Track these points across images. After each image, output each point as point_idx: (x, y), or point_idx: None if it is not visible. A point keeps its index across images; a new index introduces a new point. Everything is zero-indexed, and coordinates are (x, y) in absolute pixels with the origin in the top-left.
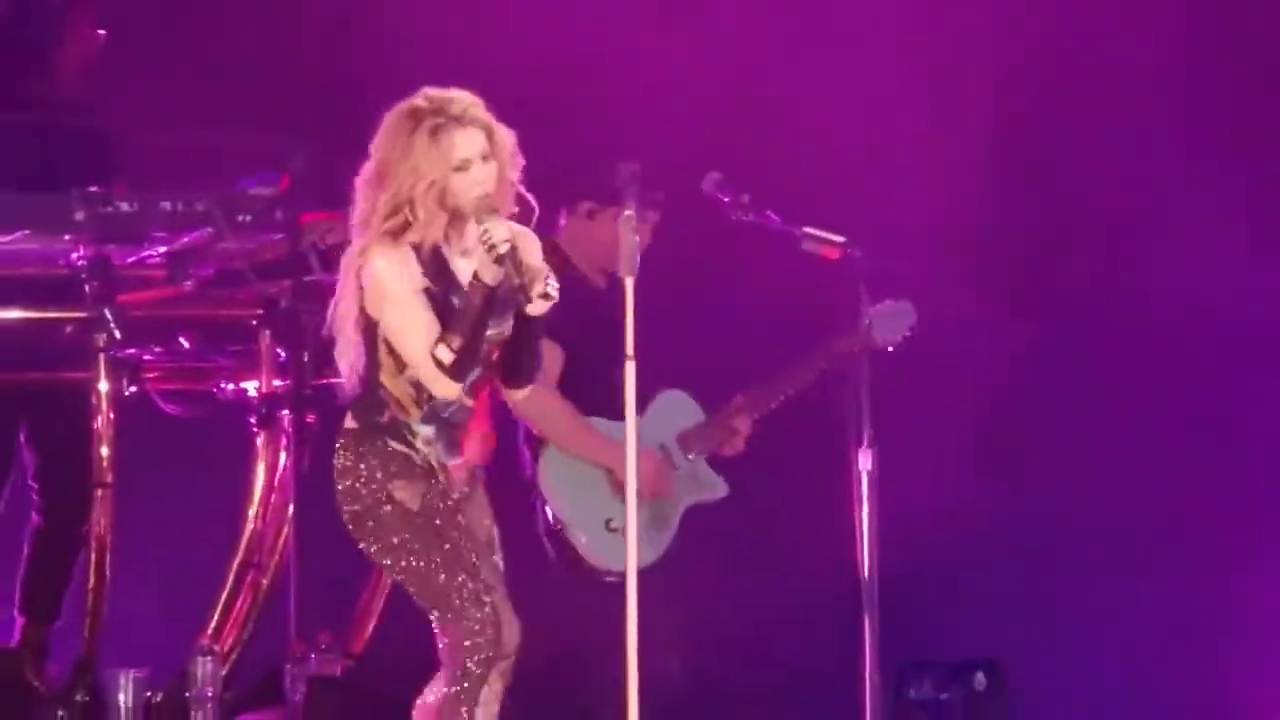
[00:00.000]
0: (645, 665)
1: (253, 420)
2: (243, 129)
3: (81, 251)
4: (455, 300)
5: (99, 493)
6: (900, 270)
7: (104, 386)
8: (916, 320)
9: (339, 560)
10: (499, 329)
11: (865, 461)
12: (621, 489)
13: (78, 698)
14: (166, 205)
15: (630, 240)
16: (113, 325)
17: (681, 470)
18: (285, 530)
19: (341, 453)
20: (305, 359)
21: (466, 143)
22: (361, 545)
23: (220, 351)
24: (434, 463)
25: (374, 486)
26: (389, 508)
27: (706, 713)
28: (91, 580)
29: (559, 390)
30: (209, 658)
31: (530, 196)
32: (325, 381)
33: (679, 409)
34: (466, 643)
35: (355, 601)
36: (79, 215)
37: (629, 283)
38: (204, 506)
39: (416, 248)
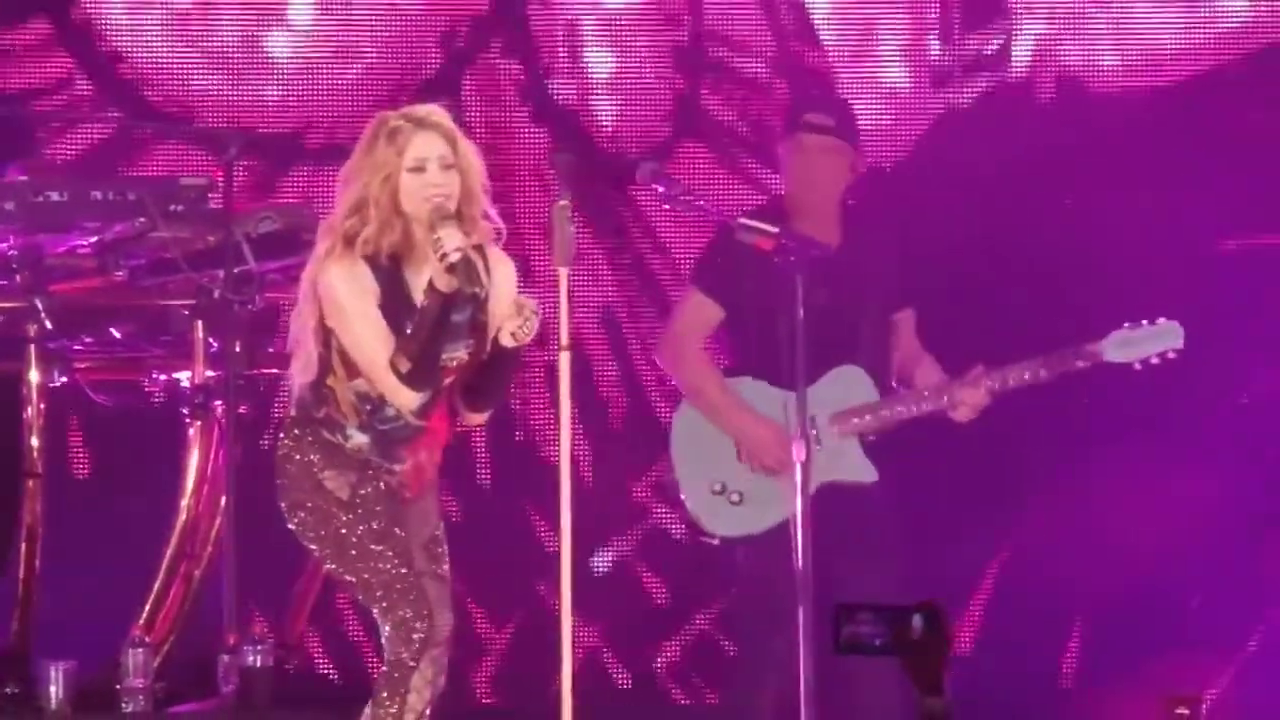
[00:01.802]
0: None
1: (185, 410)
2: (180, 118)
3: (11, 241)
4: (407, 319)
5: (29, 484)
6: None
7: (34, 377)
8: (1181, 343)
9: (273, 550)
10: (458, 352)
11: (799, 452)
12: (741, 456)
13: (7, 689)
14: (98, 194)
15: (564, 230)
16: (43, 315)
17: (824, 447)
18: (218, 520)
19: (280, 442)
20: (238, 349)
21: (423, 144)
22: (296, 533)
23: (152, 341)
24: (369, 456)
25: (306, 475)
26: (319, 497)
27: None
28: (21, 571)
29: (708, 343)
30: (140, 649)
31: (496, 217)
32: (258, 372)
33: (850, 385)
34: (398, 632)
35: (289, 592)
36: (9, 205)
37: (563, 274)
38: (136, 497)
39: (372, 259)
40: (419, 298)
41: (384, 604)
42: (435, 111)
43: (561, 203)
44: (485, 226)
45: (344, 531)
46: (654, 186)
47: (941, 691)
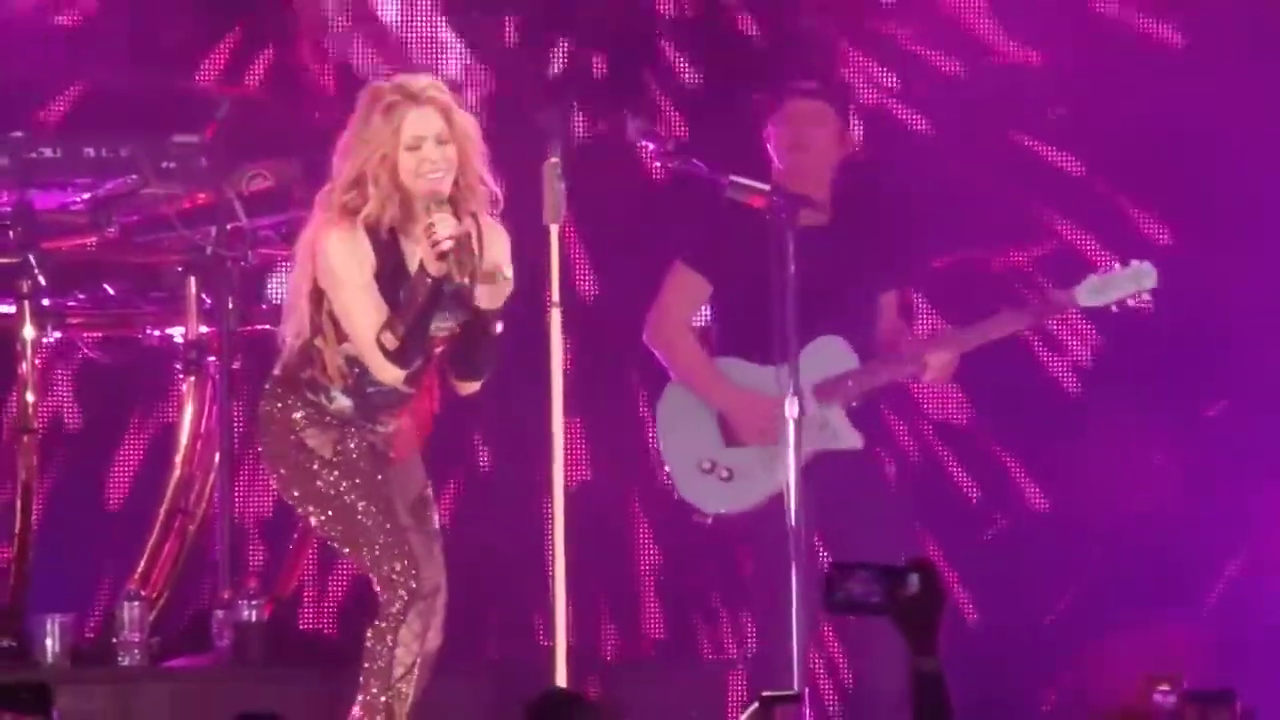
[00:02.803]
0: None
1: (179, 366)
2: (170, 75)
3: (4, 197)
4: (402, 288)
5: (24, 439)
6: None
7: (28, 333)
8: (1154, 282)
9: (266, 505)
10: (447, 324)
11: (791, 409)
12: (728, 432)
13: (4, 643)
14: (90, 151)
15: (554, 187)
16: (36, 271)
17: (809, 416)
18: (212, 476)
19: (263, 401)
20: (230, 305)
21: (419, 121)
22: (281, 492)
23: (145, 298)
24: (351, 417)
25: (288, 434)
26: (302, 455)
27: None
28: (17, 526)
29: (691, 323)
30: (136, 603)
31: (492, 182)
32: (251, 328)
33: (830, 356)
34: (385, 586)
35: (283, 546)
36: (2, 161)
37: (553, 230)
38: (131, 452)
39: (372, 229)
40: (414, 266)
41: (369, 559)
42: (431, 85)
43: (551, 159)
44: (482, 192)
45: (327, 489)
46: (643, 144)
47: (934, 651)
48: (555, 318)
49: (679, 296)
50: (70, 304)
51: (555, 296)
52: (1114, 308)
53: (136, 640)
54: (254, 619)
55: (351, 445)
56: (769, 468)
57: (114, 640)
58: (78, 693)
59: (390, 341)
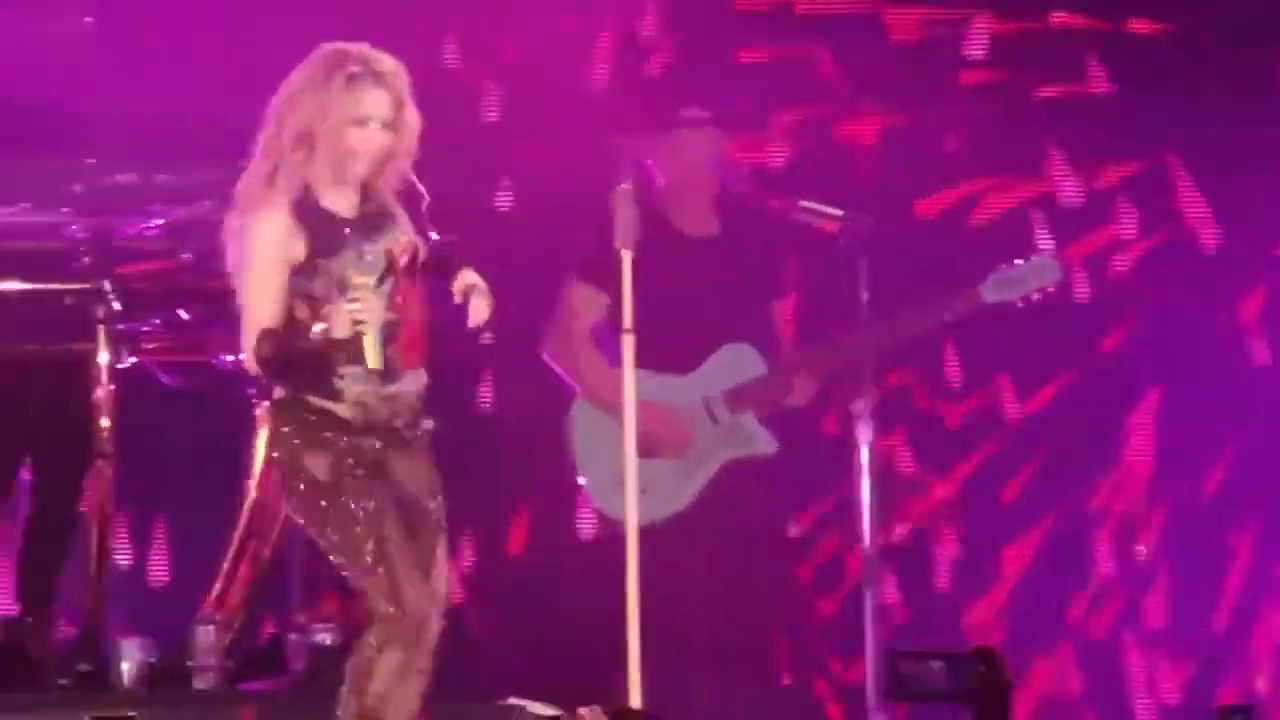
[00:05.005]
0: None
1: (251, 391)
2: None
3: (80, 224)
4: (322, 267)
5: (99, 464)
6: (897, 242)
7: (103, 358)
8: (1058, 275)
9: None
10: (368, 277)
11: (865, 434)
12: (641, 445)
13: (81, 666)
14: (165, 177)
15: (627, 214)
16: (111, 297)
17: (721, 425)
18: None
19: (268, 422)
20: None
21: (374, 101)
22: (290, 512)
23: (219, 323)
24: (358, 416)
25: (292, 458)
26: (301, 479)
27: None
28: (94, 549)
29: (591, 336)
30: (211, 626)
31: (422, 188)
32: None
33: (739, 363)
34: (372, 610)
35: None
36: (78, 187)
37: (626, 256)
38: (206, 476)
39: (299, 205)
40: (340, 213)
41: (359, 582)
42: (397, 70)
43: (623, 185)
44: (398, 185)
45: (328, 513)
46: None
47: None
48: (628, 344)
49: (578, 311)
50: (144, 329)
51: (628, 323)
52: (1020, 303)
53: (212, 664)
54: (328, 642)
55: (345, 467)
56: (681, 480)
57: (189, 664)
58: (154, 717)
59: (265, 349)
